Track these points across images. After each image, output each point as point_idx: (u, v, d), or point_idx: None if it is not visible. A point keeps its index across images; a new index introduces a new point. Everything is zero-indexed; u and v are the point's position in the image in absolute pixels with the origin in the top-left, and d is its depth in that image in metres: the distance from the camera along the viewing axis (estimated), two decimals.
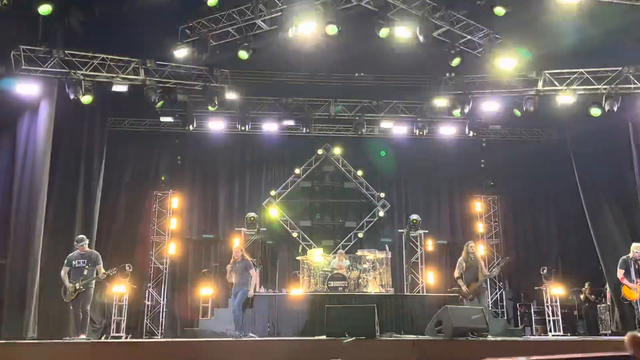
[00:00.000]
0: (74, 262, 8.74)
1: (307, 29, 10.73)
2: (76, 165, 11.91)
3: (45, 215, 10.55)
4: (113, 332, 11.97)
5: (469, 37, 11.25)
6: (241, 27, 11.10)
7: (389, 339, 7.82)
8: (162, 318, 13.13)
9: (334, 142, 14.91)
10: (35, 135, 10.74)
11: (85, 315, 8.64)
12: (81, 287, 8.55)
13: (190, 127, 13.18)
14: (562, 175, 13.61)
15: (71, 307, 8.78)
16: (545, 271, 12.65)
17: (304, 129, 13.58)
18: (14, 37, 10.38)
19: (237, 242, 12.23)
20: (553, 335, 12.01)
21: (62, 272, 8.69)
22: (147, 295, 13.28)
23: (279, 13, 10.73)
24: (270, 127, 13.88)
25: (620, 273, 9.26)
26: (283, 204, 14.55)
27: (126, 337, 11.97)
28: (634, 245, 9.47)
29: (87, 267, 8.66)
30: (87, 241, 9.11)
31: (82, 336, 8.59)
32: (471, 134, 13.55)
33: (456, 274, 9.53)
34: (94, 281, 8.80)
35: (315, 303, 10.55)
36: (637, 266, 9.29)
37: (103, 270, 8.77)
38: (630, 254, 9.21)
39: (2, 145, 10.71)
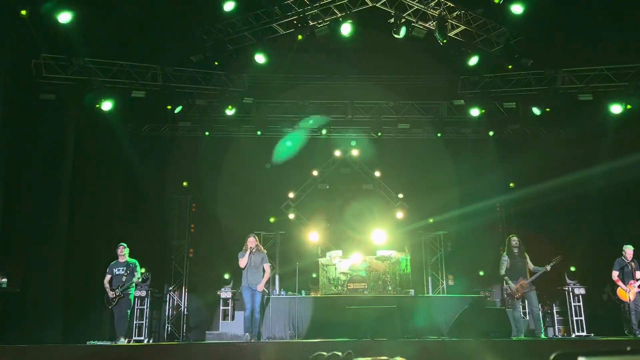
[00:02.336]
0: (114, 270, 9.32)
1: (323, 32, 10.79)
2: (97, 170, 12.08)
3: (68, 218, 10.72)
4: (135, 336, 12.07)
5: (486, 35, 11.17)
6: (257, 31, 11.16)
7: (410, 340, 7.79)
8: (183, 321, 13.22)
9: (351, 144, 14.89)
10: (57, 142, 10.92)
11: (125, 320, 9.18)
12: (120, 294, 9.08)
13: (208, 132, 13.31)
14: (584, 174, 13.40)
15: (113, 313, 9.26)
16: (572, 269, 12.47)
17: (321, 131, 13.58)
18: (34, 45, 10.55)
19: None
20: (576, 336, 11.85)
21: (105, 280, 9.28)
22: (167, 299, 13.38)
23: (295, 17, 10.77)
24: (287, 130, 13.92)
25: (614, 274, 9.65)
26: (301, 207, 14.57)
27: (148, 341, 12.07)
28: (626, 246, 9.55)
29: (125, 274, 9.19)
30: (123, 249, 9.46)
31: (123, 340, 9.09)
32: (490, 133, 13.43)
33: (501, 271, 9.06)
34: (133, 287, 9.32)
35: (336, 305, 10.56)
36: (630, 267, 9.35)
37: (139, 276, 9.34)
38: (625, 255, 9.43)
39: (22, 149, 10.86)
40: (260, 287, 8.98)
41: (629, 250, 9.69)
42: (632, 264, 9.54)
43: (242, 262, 9.06)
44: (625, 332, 9.72)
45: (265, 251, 9.44)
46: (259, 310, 9.06)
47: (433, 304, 10.91)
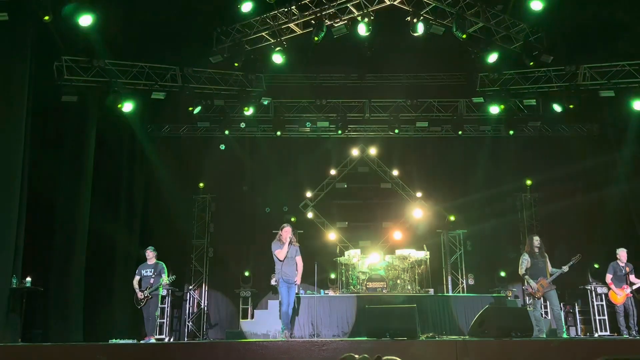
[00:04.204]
0: (143, 272, 9.58)
1: (340, 31, 10.78)
2: (118, 171, 12.24)
3: (89, 219, 10.88)
4: (156, 334, 12.18)
5: (505, 32, 11.06)
6: (275, 31, 11.20)
7: (431, 339, 7.75)
8: (203, 320, 13.33)
9: (369, 142, 14.88)
10: (79, 143, 11.09)
11: (153, 320, 9.49)
12: (149, 295, 9.36)
13: (227, 132, 13.42)
14: (606, 172, 13.20)
15: (143, 313, 9.51)
16: (596, 266, 12.30)
17: (339, 130, 13.59)
18: (56, 48, 10.71)
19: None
20: (599, 336, 11.69)
21: (134, 281, 9.57)
22: (188, 298, 13.51)
23: (312, 16, 10.77)
24: (305, 129, 13.97)
25: (608, 277, 9.72)
26: (319, 206, 14.59)
27: (169, 339, 12.19)
28: (619, 250, 9.52)
29: (153, 276, 9.46)
30: (151, 251, 9.68)
31: (152, 339, 9.41)
32: (510, 132, 13.30)
33: (521, 271, 8.93)
34: (160, 288, 9.58)
35: (355, 304, 10.57)
36: (624, 271, 9.35)
37: (166, 279, 9.54)
38: (619, 258, 9.45)
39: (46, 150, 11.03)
40: (299, 280, 8.58)
41: (622, 253, 9.71)
42: (627, 268, 9.61)
43: (281, 253, 8.43)
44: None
45: (298, 244, 8.84)
46: (292, 305, 8.63)
47: (453, 303, 10.84)
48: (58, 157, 10.98)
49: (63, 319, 10.14)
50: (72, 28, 9.57)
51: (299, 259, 8.67)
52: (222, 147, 14.03)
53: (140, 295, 9.42)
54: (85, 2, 9.24)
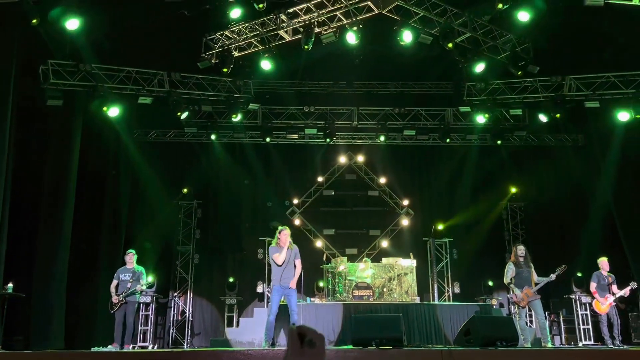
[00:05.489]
0: (121, 276, 9.33)
1: (329, 39, 10.80)
2: (103, 176, 12.12)
3: (73, 225, 10.74)
4: (140, 342, 12.05)
5: (493, 42, 11.16)
6: (264, 37, 11.19)
7: (417, 348, 7.74)
8: (187, 327, 13.20)
9: (357, 150, 14.90)
10: (64, 148, 10.97)
11: (129, 327, 9.14)
12: (123, 299, 9.05)
13: (214, 137, 13.37)
14: (590, 181, 13.34)
15: (116, 319, 9.15)
16: (579, 275, 12.38)
17: (327, 139, 13.58)
18: (42, 51, 10.61)
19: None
20: (584, 345, 11.75)
21: (111, 286, 9.33)
22: (173, 305, 13.38)
23: (301, 23, 10.78)
24: (292, 136, 13.97)
25: (592, 286, 9.84)
26: (306, 213, 14.56)
27: (152, 347, 12.05)
28: (600, 259, 9.65)
29: (131, 280, 9.19)
30: (132, 255, 9.48)
31: (129, 347, 9.09)
32: (498, 142, 13.39)
33: (506, 280, 8.99)
34: (137, 295, 9.32)
35: (341, 312, 10.52)
36: (607, 281, 9.47)
37: (144, 284, 9.29)
38: (601, 268, 9.59)
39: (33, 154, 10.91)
40: (294, 284, 8.15)
41: (603, 263, 9.85)
42: (609, 277, 9.74)
43: (280, 258, 8.03)
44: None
45: (295, 245, 8.39)
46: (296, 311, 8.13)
47: (439, 312, 10.85)
48: (42, 161, 10.85)
49: (45, 326, 9.97)
50: (59, 32, 9.49)
51: (298, 262, 8.26)
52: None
53: (115, 299, 9.13)
54: (72, 6, 9.16)
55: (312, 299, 12.16)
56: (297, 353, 1.19)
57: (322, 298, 12.18)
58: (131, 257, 9.45)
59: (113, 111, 11.42)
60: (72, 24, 9.21)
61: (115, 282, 9.32)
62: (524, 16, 9.66)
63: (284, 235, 8.14)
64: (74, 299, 10.65)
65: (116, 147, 12.58)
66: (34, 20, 8.88)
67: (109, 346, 9.06)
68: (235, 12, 10.22)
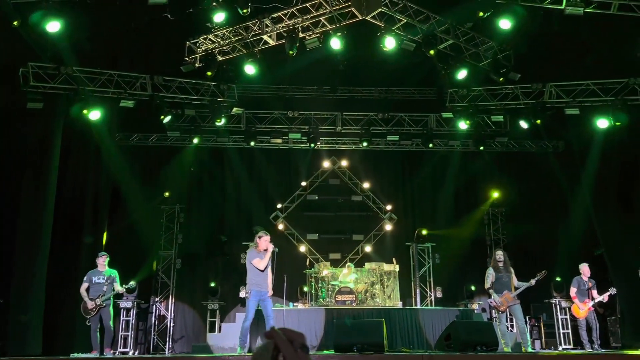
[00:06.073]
0: (93, 278, 8.96)
1: (313, 44, 10.83)
2: (83, 179, 11.99)
3: (52, 229, 10.60)
4: (120, 348, 11.92)
5: (475, 49, 11.28)
6: (248, 42, 11.19)
7: (398, 353, 7.76)
8: (169, 333, 13.09)
9: (341, 155, 14.93)
10: (44, 152, 10.84)
11: (108, 330, 8.86)
12: (101, 303, 8.76)
13: (197, 141, 13.31)
14: (570, 187, 13.51)
15: (90, 324, 8.85)
16: (558, 279, 12.52)
17: (311, 144, 13.59)
18: (22, 54, 10.49)
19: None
20: (563, 349, 11.89)
21: (82, 288, 8.91)
22: (154, 310, 13.26)
23: (285, 29, 10.80)
24: (276, 141, 13.97)
25: (572, 291, 9.95)
26: (290, 218, 14.54)
27: (133, 353, 11.93)
28: (581, 265, 9.82)
29: (106, 283, 8.88)
30: (105, 258, 9.20)
31: (109, 352, 8.87)
32: (481, 147, 13.52)
33: (486, 285, 9.11)
34: (112, 298, 9.05)
35: (323, 317, 10.52)
36: (587, 286, 9.63)
37: (119, 287, 8.98)
38: (582, 273, 9.74)
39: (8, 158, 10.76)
40: (271, 291, 8.18)
41: (585, 268, 9.98)
42: (589, 283, 9.87)
43: (262, 264, 7.98)
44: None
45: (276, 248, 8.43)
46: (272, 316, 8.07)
47: (421, 316, 10.89)
48: (21, 164, 10.71)
49: (22, 332, 9.80)
50: (40, 34, 9.39)
51: (269, 270, 8.24)
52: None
53: (90, 304, 8.72)
54: (54, 8, 9.06)
55: (295, 304, 12.14)
56: (293, 357, 1.19)
57: (305, 303, 12.17)
58: (104, 260, 9.09)
59: (94, 114, 11.31)
60: (53, 26, 9.11)
61: (85, 284, 8.88)
62: (505, 24, 9.77)
63: (264, 240, 8.07)
64: (54, 305, 10.49)
65: (97, 151, 12.43)
66: (15, 22, 8.77)
67: (89, 354, 8.85)
68: (219, 16, 10.18)
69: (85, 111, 11.10)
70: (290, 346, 1.13)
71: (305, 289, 12.63)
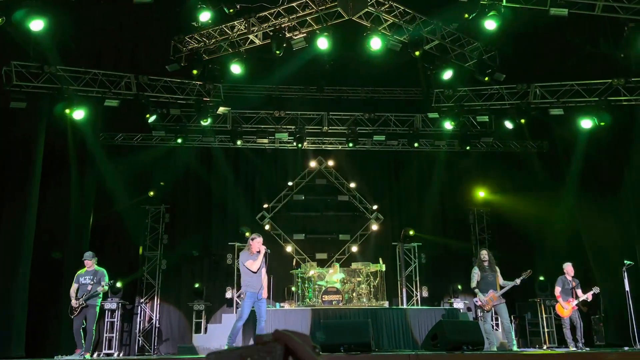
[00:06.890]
0: (81, 279, 8.96)
1: (299, 44, 10.82)
2: (67, 180, 11.84)
3: (35, 229, 10.46)
4: (105, 349, 11.81)
5: (460, 50, 11.34)
6: (234, 41, 11.14)
7: (384, 353, 7.77)
8: (154, 334, 12.99)
9: (327, 155, 14.93)
10: (27, 151, 10.70)
11: (90, 334, 8.73)
12: (84, 303, 8.68)
13: (181, 141, 13.21)
14: (555, 187, 13.63)
15: (74, 324, 8.77)
16: (541, 279, 12.61)
17: (298, 144, 13.56)
18: (5, 53, 10.36)
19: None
20: (548, 348, 11.99)
21: (71, 290, 8.92)
22: (139, 311, 13.15)
23: (271, 28, 10.77)
24: (262, 140, 13.92)
25: (557, 290, 10.07)
26: (276, 218, 14.50)
27: (118, 355, 11.83)
28: (565, 264, 9.94)
29: (91, 283, 8.84)
30: (90, 257, 9.10)
31: (87, 355, 8.70)
32: (467, 147, 13.59)
33: (472, 284, 9.21)
34: (98, 299, 8.93)
35: (310, 317, 10.51)
36: (571, 285, 9.76)
37: (104, 284, 8.90)
38: (566, 272, 9.86)
39: None
40: (266, 293, 8.22)
41: (569, 268, 10.09)
42: (573, 282, 9.98)
43: (255, 265, 8.00)
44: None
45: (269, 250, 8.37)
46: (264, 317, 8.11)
47: (407, 316, 10.93)
48: (4, 164, 10.56)
49: (5, 334, 9.67)
50: (23, 33, 9.26)
51: (264, 270, 8.22)
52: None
53: (74, 303, 8.74)
54: (37, 6, 8.95)
55: (282, 304, 12.12)
56: (312, 358, 1.16)
57: (292, 303, 12.14)
58: (88, 262, 9.03)
59: (78, 114, 11.19)
60: (37, 24, 9.00)
61: (75, 286, 8.91)
62: (490, 25, 9.83)
63: (257, 242, 8.10)
64: (37, 307, 10.36)
65: (81, 151, 12.29)
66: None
67: (74, 354, 8.76)
68: (205, 15, 10.13)
69: (67, 111, 10.97)
70: (307, 347, 1.11)
71: (293, 289, 12.61)
